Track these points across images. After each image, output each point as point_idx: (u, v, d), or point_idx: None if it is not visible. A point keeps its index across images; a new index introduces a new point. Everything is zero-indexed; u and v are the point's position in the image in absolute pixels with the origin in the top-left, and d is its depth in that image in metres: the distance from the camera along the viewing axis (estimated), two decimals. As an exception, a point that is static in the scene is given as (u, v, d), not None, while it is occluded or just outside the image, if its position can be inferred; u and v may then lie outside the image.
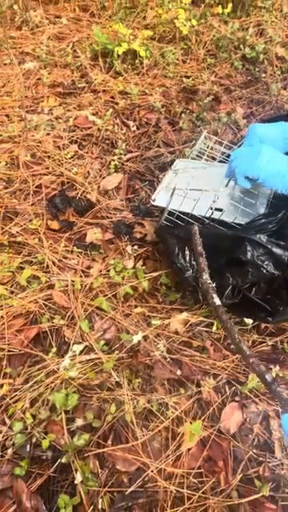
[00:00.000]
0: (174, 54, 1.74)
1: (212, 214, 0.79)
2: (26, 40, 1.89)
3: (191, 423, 0.72)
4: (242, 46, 1.81)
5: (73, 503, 0.63)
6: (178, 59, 1.75)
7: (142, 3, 2.06)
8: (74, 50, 1.78)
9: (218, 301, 0.61)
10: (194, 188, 0.77)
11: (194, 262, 0.77)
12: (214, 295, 0.61)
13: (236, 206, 0.80)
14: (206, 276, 0.65)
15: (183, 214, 0.83)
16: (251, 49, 1.79)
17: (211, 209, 0.78)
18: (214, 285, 0.64)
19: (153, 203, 0.88)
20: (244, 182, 0.73)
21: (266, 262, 0.66)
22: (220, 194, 0.75)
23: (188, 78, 1.67)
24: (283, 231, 0.69)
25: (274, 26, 1.93)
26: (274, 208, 0.77)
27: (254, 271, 0.68)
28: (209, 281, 0.65)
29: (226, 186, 0.77)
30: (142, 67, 1.69)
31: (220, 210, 0.79)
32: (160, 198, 0.89)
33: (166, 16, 1.86)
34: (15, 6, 1.99)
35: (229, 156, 0.91)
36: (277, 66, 1.77)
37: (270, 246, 0.66)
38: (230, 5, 1.94)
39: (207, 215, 0.79)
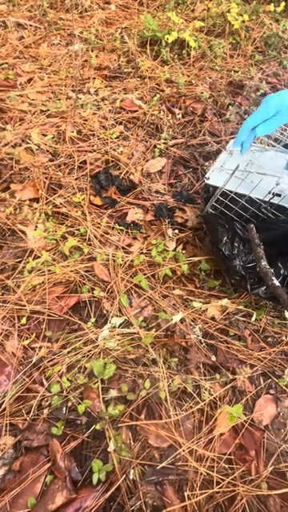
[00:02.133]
0: (222, 47, 1.73)
1: (271, 198, 0.77)
2: (75, 23, 1.90)
3: (231, 406, 0.71)
4: (292, 45, 1.78)
5: (106, 469, 0.63)
6: (225, 53, 1.74)
7: (191, -4, 2.05)
8: (122, 36, 1.78)
9: (277, 282, 0.60)
10: (254, 171, 0.76)
11: (242, 252, 0.76)
12: (273, 278, 0.60)
13: None
14: (264, 263, 0.65)
15: (239, 195, 0.82)
16: (302, 49, 1.76)
17: (271, 194, 0.76)
18: (272, 269, 0.63)
19: (207, 182, 0.87)
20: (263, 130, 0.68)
21: None
22: (281, 179, 0.74)
23: (236, 72, 1.65)
24: None
25: None
26: None
27: None
28: (267, 266, 0.64)
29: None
30: (189, 58, 1.68)
31: (279, 195, 0.77)
32: (214, 177, 0.88)
33: (217, 9, 1.85)
34: (66, -11, 2.01)
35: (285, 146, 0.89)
36: None
37: None
38: (283, 3, 1.91)
39: (266, 199, 0.77)
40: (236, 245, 0.78)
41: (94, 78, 1.55)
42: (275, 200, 0.77)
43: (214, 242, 0.84)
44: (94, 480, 0.61)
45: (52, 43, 1.77)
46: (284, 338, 0.85)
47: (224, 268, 0.86)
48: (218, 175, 0.87)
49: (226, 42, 1.77)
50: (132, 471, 0.64)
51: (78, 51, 1.73)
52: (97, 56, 1.68)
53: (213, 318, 0.86)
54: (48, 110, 1.29)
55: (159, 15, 1.82)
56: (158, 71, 1.59)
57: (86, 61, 1.65)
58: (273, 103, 0.68)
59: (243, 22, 1.78)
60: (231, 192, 0.82)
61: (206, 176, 0.87)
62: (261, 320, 0.86)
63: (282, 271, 0.70)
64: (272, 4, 1.91)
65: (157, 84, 1.54)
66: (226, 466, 0.69)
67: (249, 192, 0.79)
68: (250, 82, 1.61)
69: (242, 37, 1.82)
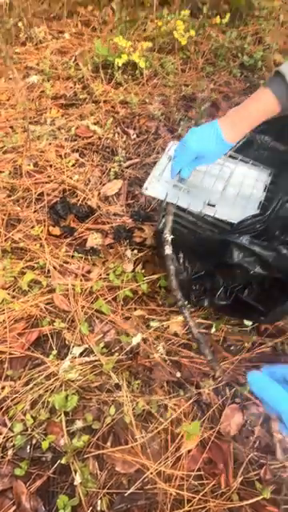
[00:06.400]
0: (173, 63, 1.78)
1: (204, 209, 0.79)
2: (31, 55, 1.95)
3: (190, 424, 0.72)
4: (240, 54, 1.84)
5: (72, 504, 0.63)
6: (177, 69, 1.79)
7: (142, 17, 2.11)
8: (76, 63, 1.83)
9: (168, 251, 0.65)
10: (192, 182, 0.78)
11: (187, 265, 0.78)
12: (167, 246, 0.65)
13: (230, 205, 0.81)
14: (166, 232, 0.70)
15: (180, 209, 0.83)
16: (249, 57, 1.82)
17: (206, 204, 0.78)
18: (171, 237, 0.68)
19: (145, 193, 0.85)
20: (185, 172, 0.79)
21: (253, 264, 0.67)
22: (215, 190, 0.76)
23: (187, 86, 1.70)
24: (270, 230, 0.69)
25: (272, 34, 1.96)
26: (264, 209, 0.77)
27: (241, 273, 0.68)
28: (168, 234, 0.68)
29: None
30: (142, 77, 1.73)
31: (213, 205, 0.79)
32: (153, 188, 0.86)
33: (166, 28, 1.91)
34: (20, 24, 2.06)
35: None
36: (275, 72, 1.79)
37: (253, 248, 0.66)
38: (228, 15, 1.98)
39: (202, 211, 0.78)
40: (181, 257, 0.80)
41: (51, 108, 1.59)
42: (210, 212, 0.78)
43: (160, 257, 0.85)
44: (60, 516, 0.62)
45: (9, 78, 1.82)
46: (246, 344, 0.86)
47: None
48: (157, 185, 0.86)
49: (177, 58, 1.83)
50: (99, 502, 0.65)
51: (35, 83, 1.78)
52: (52, 86, 1.72)
53: (175, 334, 0.88)
54: (4, 145, 1.32)
55: (111, 38, 1.87)
56: (112, 94, 1.63)
57: (42, 91, 1.69)
58: (191, 150, 0.73)
59: (191, 37, 1.83)
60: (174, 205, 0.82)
61: (144, 187, 0.86)
62: (222, 330, 0.88)
63: (221, 282, 0.72)
64: (218, 16, 1.98)
65: (112, 107, 1.58)
66: (196, 483, 0.69)
67: (187, 205, 0.80)
68: (201, 94, 1.65)
69: (191, 51, 1.87)
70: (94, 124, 1.47)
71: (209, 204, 0.79)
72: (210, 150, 0.74)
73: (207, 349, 0.65)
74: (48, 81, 1.75)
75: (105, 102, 1.60)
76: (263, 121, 0.74)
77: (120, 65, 1.67)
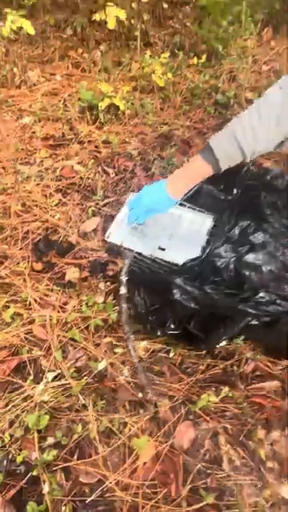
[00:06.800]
0: (152, 103, 1.95)
1: (155, 253, 0.93)
2: (24, 97, 2.14)
3: (139, 439, 0.83)
4: (214, 92, 2.00)
5: (40, 510, 0.74)
6: (156, 108, 1.95)
7: (127, 58, 2.31)
8: (65, 105, 2.01)
9: (122, 291, 0.78)
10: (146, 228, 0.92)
11: (146, 299, 0.91)
12: (122, 287, 0.78)
13: (176, 249, 0.95)
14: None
15: (138, 253, 0.97)
16: (223, 95, 1.98)
17: (157, 248, 0.92)
18: (126, 278, 0.80)
19: (107, 239, 1.00)
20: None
21: (188, 300, 0.79)
22: (165, 235, 0.89)
23: (165, 124, 1.86)
24: (204, 272, 0.82)
25: (244, 73, 2.12)
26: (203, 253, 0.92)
27: (181, 308, 0.81)
28: (124, 276, 0.81)
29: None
30: (124, 117, 1.90)
31: (163, 249, 0.93)
32: (114, 235, 1.01)
33: (147, 69, 2.08)
34: (15, 69, 2.26)
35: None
36: (246, 109, 1.94)
37: (186, 287, 0.79)
38: (205, 56, 2.16)
39: (153, 255, 0.92)
40: (141, 292, 0.93)
41: (40, 149, 1.75)
42: (159, 255, 0.92)
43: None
44: (29, 520, 0.73)
45: (4, 119, 2.00)
46: (201, 366, 0.98)
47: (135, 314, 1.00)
48: (118, 231, 1.01)
49: (156, 98, 2.00)
50: (64, 508, 0.76)
51: (27, 124, 1.95)
52: (43, 126, 1.89)
53: (140, 359, 0.99)
54: (-4, 188, 1.47)
55: (97, 82, 2.05)
56: (96, 134, 1.79)
57: (33, 132, 1.86)
58: (144, 204, 0.88)
59: (168, 79, 2.00)
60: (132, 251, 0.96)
61: (106, 235, 1.01)
62: (179, 354, 0.99)
63: (168, 315, 0.84)
64: (195, 57, 2.16)
65: (95, 146, 1.74)
66: (149, 491, 0.80)
67: (140, 249, 0.94)
68: (177, 131, 1.81)
69: (170, 91, 2.04)
70: (78, 163, 1.63)
71: (159, 248, 0.93)
72: (158, 204, 0.89)
73: (143, 375, 0.77)
74: (39, 122, 1.92)
75: (89, 142, 1.76)
76: (201, 180, 0.88)
77: (103, 108, 1.84)
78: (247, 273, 0.81)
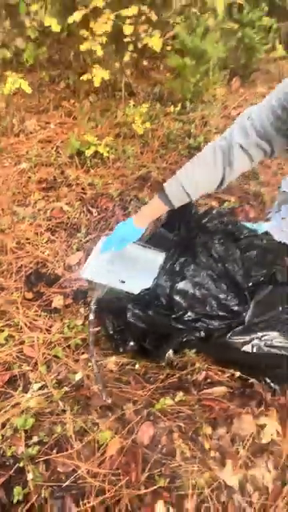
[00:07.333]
0: (133, 149, 2.23)
1: (117, 285, 1.17)
2: (22, 144, 2.43)
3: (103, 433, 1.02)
4: (187, 137, 2.29)
5: (24, 493, 0.93)
6: (136, 152, 2.23)
7: (113, 106, 2.62)
8: (58, 151, 2.30)
9: (91, 317, 1.00)
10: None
11: (113, 321, 1.13)
12: (90, 314, 1.04)
13: (134, 281, 1.18)
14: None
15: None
16: (194, 139, 2.26)
17: (119, 281, 1.16)
18: (94, 307, 1.06)
19: (82, 276, 1.25)
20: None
21: (139, 321, 1.01)
22: (127, 269, 1.14)
23: (144, 167, 2.13)
24: (151, 299, 1.05)
25: (215, 118, 2.42)
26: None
27: (135, 328, 1.03)
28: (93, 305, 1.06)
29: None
30: (109, 161, 2.17)
31: (123, 281, 1.17)
32: (87, 272, 1.25)
33: (129, 118, 2.38)
34: (14, 120, 2.58)
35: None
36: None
37: (135, 311, 1.01)
38: (180, 104, 2.46)
39: (116, 286, 1.17)
40: (110, 317, 1.14)
41: (34, 192, 2.02)
42: (121, 287, 1.16)
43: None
44: (14, 500, 0.92)
45: (4, 165, 2.28)
46: (161, 376, 1.17)
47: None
48: (91, 268, 1.25)
49: (137, 143, 2.28)
50: (43, 491, 0.94)
51: (24, 168, 2.23)
52: (37, 171, 2.17)
53: (111, 371, 1.20)
54: (-5, 228, 1.72)
55: (85, 131, 2.35)
56: (83, 178, 2.06)
57: (29, 177, 2.14)
58: (118, 234, 1.13)
59: (147, 128, 2.29)
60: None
61: (81, 271, 1.25)
62: (143, 366, 1.19)
63: (127, 334, 1.06)
64: (172, 106, 2.47)
65: (82, 188, 2.00)
66: (114, 478, 0.98)
67: (107, 283, 1.17)
68: (153, 173, 2.08)
69: (149, 137, 2.33)
70: (66, 204, 1.88)
71: (121, 281, 1.16)
72: (128, 235, 1.16)
73: (101, 384, 0.98)
74: (34, 167, 2.20)
75: (77, 184, 2.03)
76: (160, 214, 1.14)
77: (89, 155, 2.12)
78: (177, 298, 1.04)
